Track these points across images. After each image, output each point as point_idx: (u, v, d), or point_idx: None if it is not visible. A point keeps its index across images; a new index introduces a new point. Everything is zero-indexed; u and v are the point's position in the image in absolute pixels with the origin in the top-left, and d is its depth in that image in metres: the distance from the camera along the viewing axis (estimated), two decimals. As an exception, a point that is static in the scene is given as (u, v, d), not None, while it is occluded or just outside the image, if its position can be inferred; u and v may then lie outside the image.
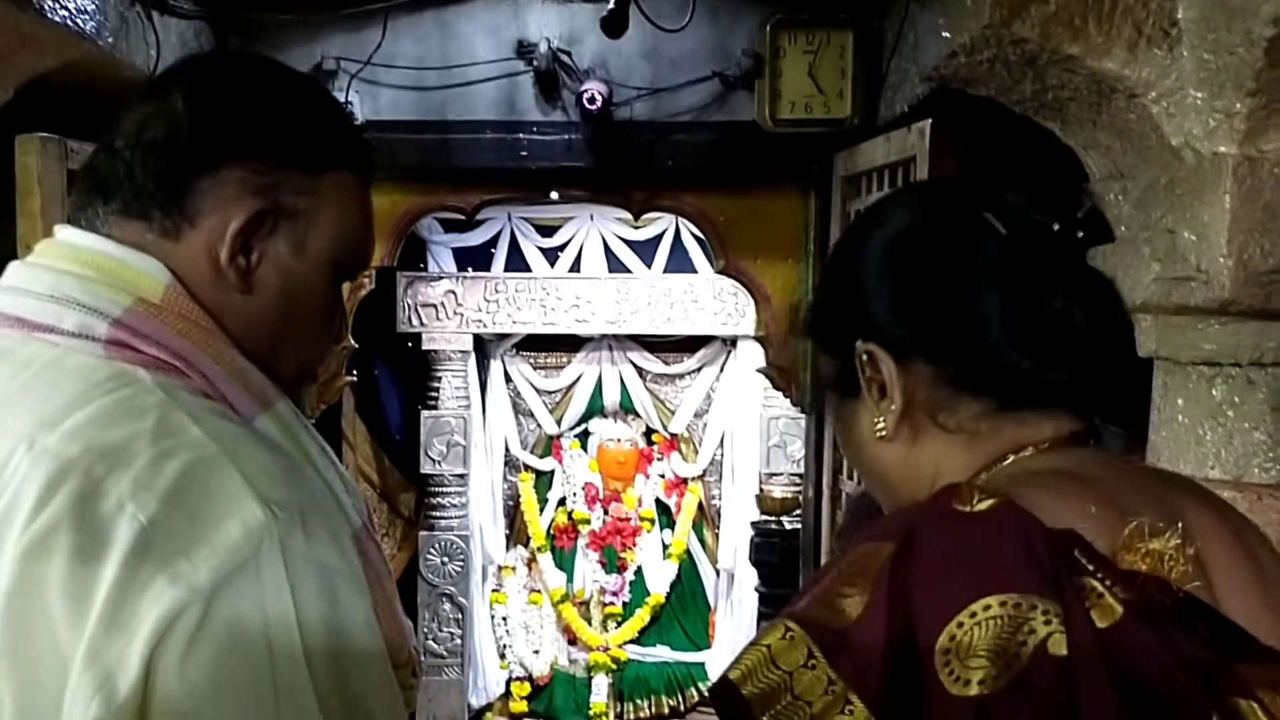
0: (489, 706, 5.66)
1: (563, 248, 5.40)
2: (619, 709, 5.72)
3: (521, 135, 3.33)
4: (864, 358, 0.86)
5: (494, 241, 5.37)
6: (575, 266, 5.41)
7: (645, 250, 5.39)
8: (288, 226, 0.88)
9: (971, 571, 0.67)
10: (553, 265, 5.41)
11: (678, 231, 5.31)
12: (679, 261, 5.39)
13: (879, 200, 0.98)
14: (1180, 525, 0.71)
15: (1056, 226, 0.83)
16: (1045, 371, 0.81)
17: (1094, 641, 0.63)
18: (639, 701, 5.70)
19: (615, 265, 5.41)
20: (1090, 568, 0.66)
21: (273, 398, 0.87)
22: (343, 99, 2.94)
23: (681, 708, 5.69)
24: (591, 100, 3.09)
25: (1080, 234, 0.84)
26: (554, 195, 3.97)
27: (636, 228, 5.27)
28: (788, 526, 4.68)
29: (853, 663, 0.67)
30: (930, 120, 2.39)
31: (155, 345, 0.81)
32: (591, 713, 5.62)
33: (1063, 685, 0.62)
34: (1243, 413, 1.62)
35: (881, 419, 0.86)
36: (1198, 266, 1.56)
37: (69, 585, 0.69)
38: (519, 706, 5.70)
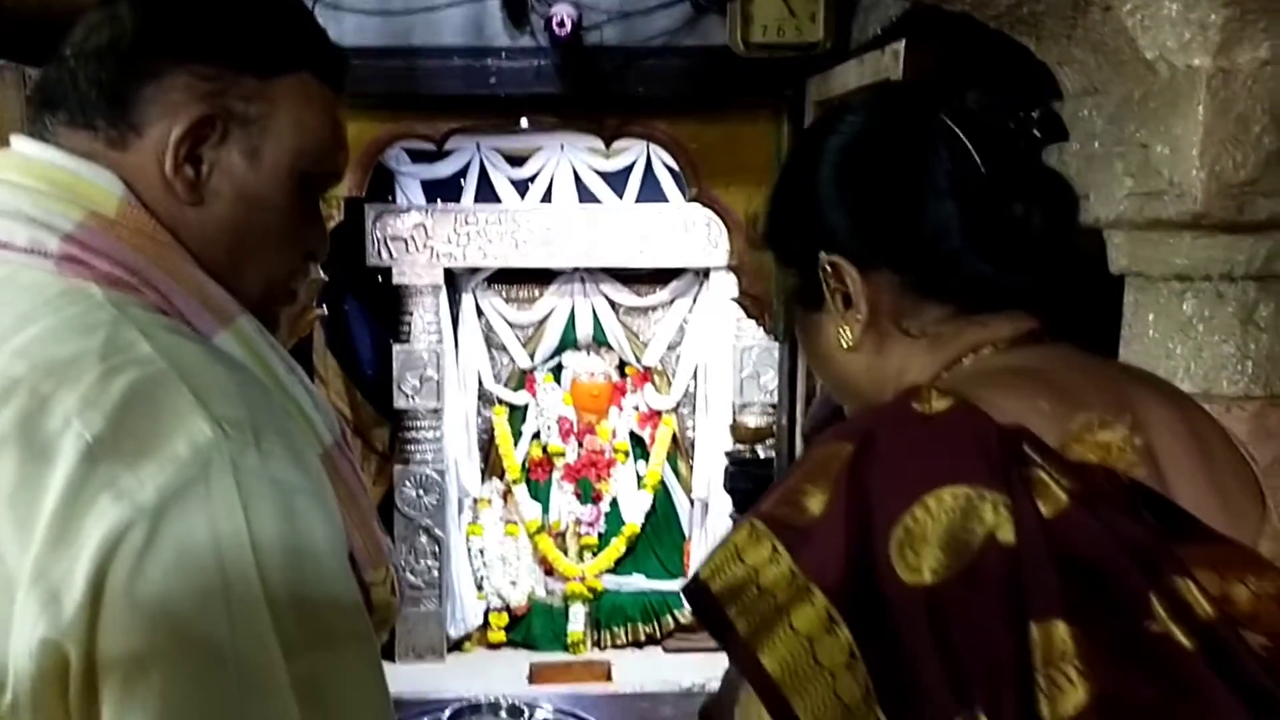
0: (467, 637, 5.73)
1: (533, 178, 5.34)
2: (596, 637, 5.80)
3: (490, 61, 3.28)
4: (827, 269, 0.86)
5: (463, 172, 5.31)
6: (546, 197, 5.36)
7: (617, 181, 5.35)
8: (240, 134, 0.85)
9: (926, 466, 0.70)
10: (523, 196, 5.36)
11: (649, 161, 5.26)
12: (651, 192, 5.35)
13: (833, 107, 0.97)
14: (1129, 416, 0.74)
15: (1012, 125, 0.84)
16: (1006, 276, 0.83)
17: (1039, 529, 0.66)
18: (616, 629, 5.78)
19: (586, 196, 5.37)
20: (1038, 459, 0.69)
21: (234, 313, 0.85)
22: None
23: (658, 634, 5.77)
24: (560, 24, 3.04)
25: (1036, 132, 0.85)
26: (524, 123, 3.92)
27: (608, 157, 5.21)
28: (761, 455, 4.73)
29: (814, 556, 0.70)
30: (904, 41, 2.36)
31: (108, 261, 0.79)
32: (569, 641, 5.70)
33: (1009, 572, 0.66)
34: (1212, 326, 1.63)
35: (847, 329, 0.87)
36: (1170, 180, 1.56)
37: (14, 503, 0.68)
38: (497, 637, 5.77)
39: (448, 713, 2.15)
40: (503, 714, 2.17)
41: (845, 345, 0.88)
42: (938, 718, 0.65)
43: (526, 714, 2.12)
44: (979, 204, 0.82)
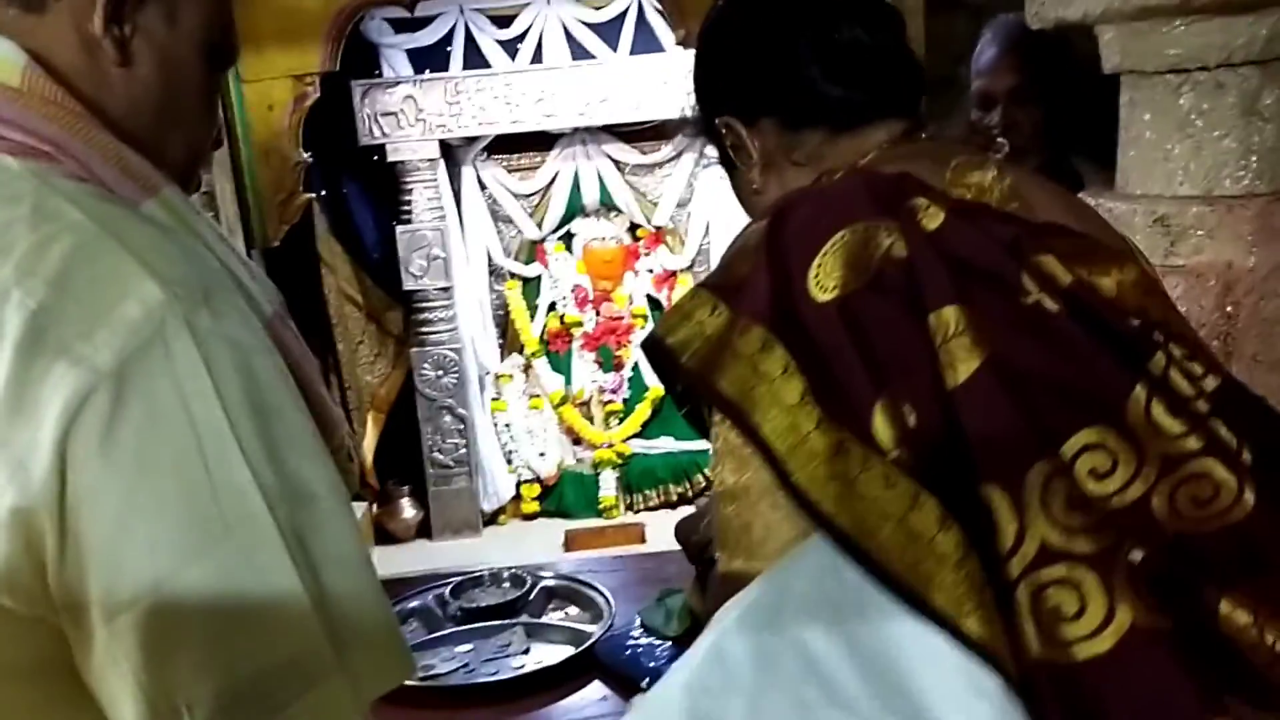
0: (501, 510, 5.79)
1: (521, 38, 5.11)
2: (629, 500, 5.83)
3: (449, -90, 3.08)
4: (723, 130, 1.07)
5: (448, 38, 5.09)
6: (536, 57, 5.15)
7: (609, 32, 5.11)
8: None
9: (827, 218, 0.87)
10: (513, 58, 5.15)
11: (640, 9, 5.02)
12: (645, 42, 5.11)
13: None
14: (994, 164, 0.91)
15: None
16: (856, 92, 1.00)
17: (926, 241, 0.83)
18: (647, 492, 5.80)
19: (579, 52, 5.14)
20: (920, 195, 0.86)
21: (158, 183, 0.83)
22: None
23: (690, 494, 5.79)
24: None
25: None
26: (498, -22, 3.72)
27: (597, 8, 4.98)
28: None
29: (746, 302, 0.86)
30: None
31: (20, 130, 0.76)
32: (601, 506, 5.74)
33: (906, 277, 0.82)
34: (1212, 120, 1.49)
35: (752, 174, 1.06)
36: (1158, -42, 1.41)
37: None
38: (530, 507, 5.82)
39: (449, 587, 2.14)
40: (505, 585, 2.15)
41: (754, 189, 1.06)
42: (861, 403, 0.79)
43: (529, 582, 2.10)
44: (820, 35, 1.00)
